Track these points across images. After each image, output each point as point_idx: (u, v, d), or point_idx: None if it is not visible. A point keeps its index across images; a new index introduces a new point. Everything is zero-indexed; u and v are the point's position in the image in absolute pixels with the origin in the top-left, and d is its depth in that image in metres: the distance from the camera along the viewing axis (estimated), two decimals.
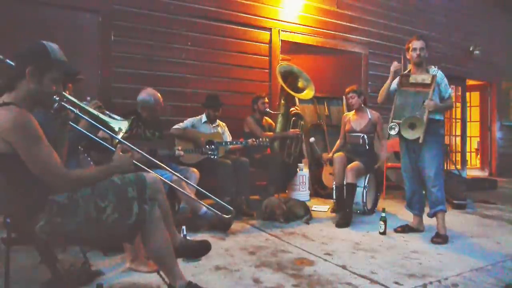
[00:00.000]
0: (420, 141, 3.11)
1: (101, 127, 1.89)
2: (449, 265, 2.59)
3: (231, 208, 2.31)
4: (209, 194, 2.30)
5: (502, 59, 8.37)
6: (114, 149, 1.86)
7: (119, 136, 1.89)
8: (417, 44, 3.24)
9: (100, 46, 4.21)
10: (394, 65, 3.38)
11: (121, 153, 1.79)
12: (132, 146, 1.92)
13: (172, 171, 2.33)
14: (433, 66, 3.32)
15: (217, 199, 2.32)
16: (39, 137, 1.55)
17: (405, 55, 3.41)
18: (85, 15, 4.16)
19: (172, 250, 1.87)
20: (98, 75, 4.21)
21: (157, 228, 1.79)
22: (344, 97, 5.76)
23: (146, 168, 2.04)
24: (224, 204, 2.29)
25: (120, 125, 1.92)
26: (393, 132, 3.25)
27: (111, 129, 1.90)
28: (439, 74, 3.24)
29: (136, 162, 1.89)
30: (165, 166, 2.27)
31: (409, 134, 3.18)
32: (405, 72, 3.40)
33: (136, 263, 2.36)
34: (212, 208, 2.40)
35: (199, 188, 2.46)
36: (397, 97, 3.33)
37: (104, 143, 1.94)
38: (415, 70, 3.31)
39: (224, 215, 2.28)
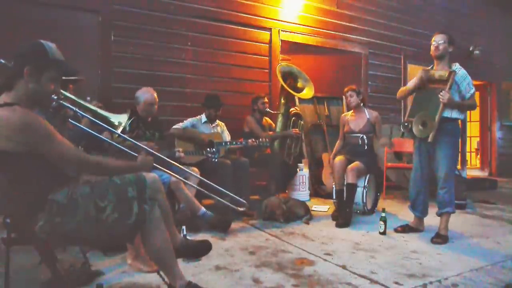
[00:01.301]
0: (429, 140, 3.03)
1: (101, 123, 1.90)
2: (449, 265, 2.59)
3: (244, 202, 2.49)
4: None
5: (502, 59, 8.35)
6: (117, 144, 1.89)
7: (119, 130, 1.91)
8: (437, 38, 3.15)
9: (100, 46, 4.21)
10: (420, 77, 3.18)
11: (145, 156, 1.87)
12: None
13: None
14: (457, 63, 3.18)
15: (225, 193, 2.40)
16: (50, 132, 1.57)
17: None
18: (85, 15, 4.16)
19: (172, 250, 1.87)
20: (98, 75, 4.20)
21: (157, 228, 1.79)
22: (343, 96, 5.76)
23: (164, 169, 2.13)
24: (238, 198, 2.42)
25: (120, 119, 1.94)
26: (405, 131, 3.19)
27: (111, 124, 1.92)
28: (461, 72, 3.11)
29: (156, 165, 1.96)
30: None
31: (420, 132, 3.10)
32: (427, 68, 3.28)
33: (137, 261, 2.36)
34: (226, 202, 2.49)
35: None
36: (415, 94, 3.25)
37: (107, 139, 1.96)
38: (437, 65, 3.21)
39: (238, 208, 2.49)
